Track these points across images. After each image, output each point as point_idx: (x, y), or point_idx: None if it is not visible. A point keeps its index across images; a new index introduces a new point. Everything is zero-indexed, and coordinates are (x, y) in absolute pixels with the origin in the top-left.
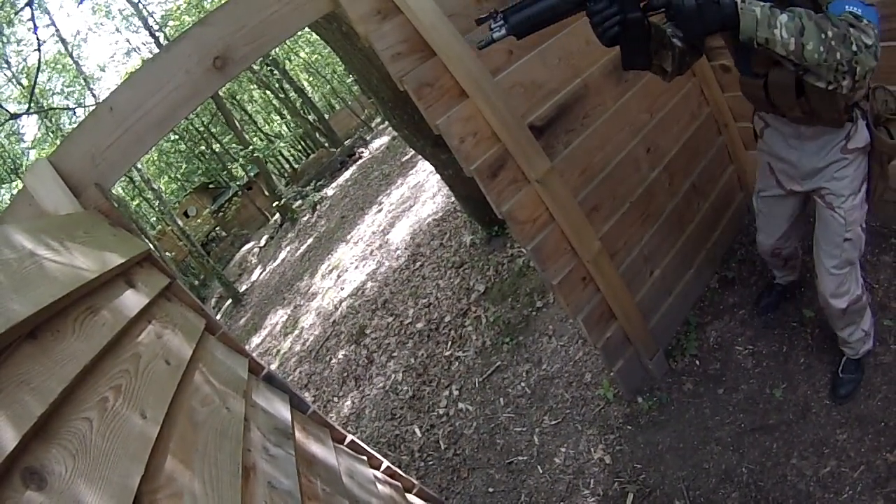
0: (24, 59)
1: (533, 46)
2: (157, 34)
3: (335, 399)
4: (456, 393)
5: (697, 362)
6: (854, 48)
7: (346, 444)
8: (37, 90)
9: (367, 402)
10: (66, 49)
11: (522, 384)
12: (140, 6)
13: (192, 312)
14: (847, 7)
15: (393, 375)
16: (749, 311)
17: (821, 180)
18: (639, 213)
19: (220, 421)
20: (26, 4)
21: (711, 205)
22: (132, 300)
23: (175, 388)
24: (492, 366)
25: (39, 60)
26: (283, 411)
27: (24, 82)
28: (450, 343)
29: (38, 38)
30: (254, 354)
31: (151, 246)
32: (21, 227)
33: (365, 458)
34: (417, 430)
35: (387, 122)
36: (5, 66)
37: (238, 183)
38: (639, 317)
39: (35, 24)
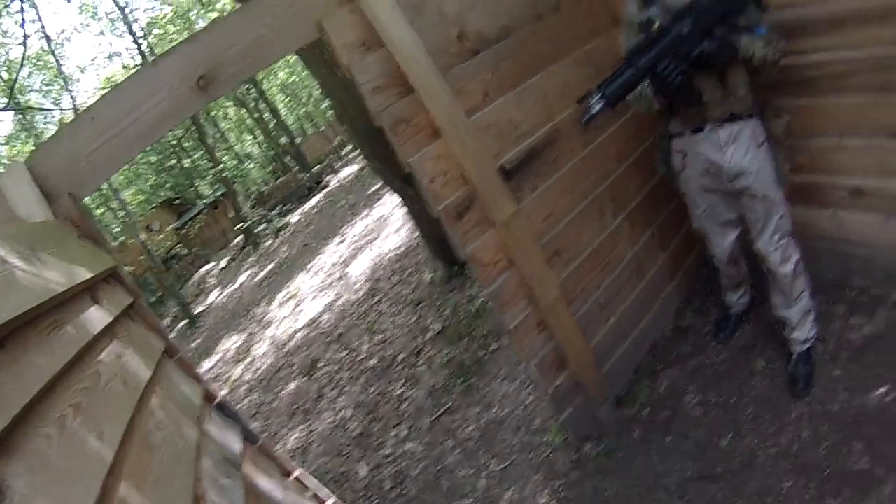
0: (7, 52)
1: (510, 87)
2: (140, 41)
3: (283, 431)
4: (405, 433)
5: (647, 410)
6: (781, 48)
7: (292, 478)
8: (15, 86)
9: (314, 436)
10: (49, 46)
11: (471, 427)
12: (126, 11)
13: (153, 334)
14: (763, 29)
15: (343, 411)
16: (701, 361)
17: (748, 177)
18: (599, 259)
19: (174, 447)
20: None
21: (670, 254)
22: (96, 317)
23: (132, 411)
24: (442, 407)
25: (24, 55)
26: (234, 442)
27: (4, 75)
28: (402, 381)
29: (24, 33)
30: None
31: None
32: None
33: (311, 493)
34: (364, 468)
35: (357, 151)
36: None
37: (204, 201)
38: (591, 364)
39: (24, 18)
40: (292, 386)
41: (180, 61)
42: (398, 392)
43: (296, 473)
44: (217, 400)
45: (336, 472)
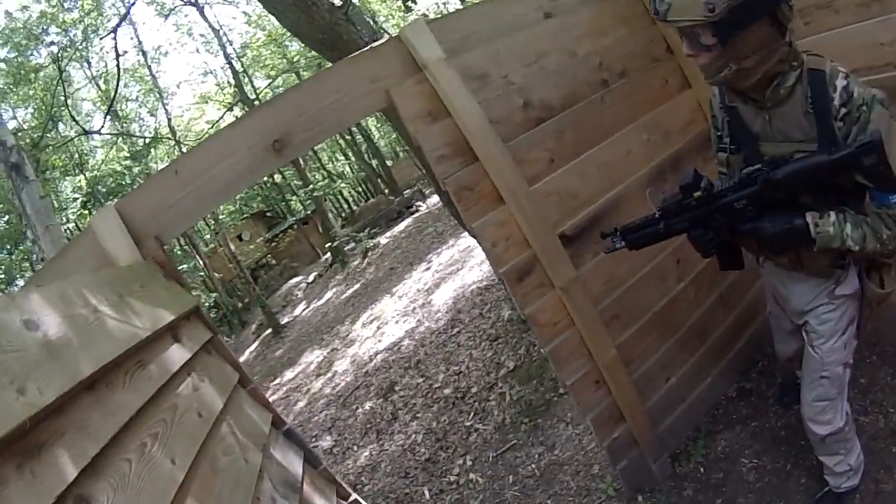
0: (105, 65)
1: (572, 156)
2: (233, 61)
3: (355, 448)
4: (469, 463)
5: (702, 469)
6: None
7: (349, 501)
8: (115, 99)
9: (384, 456)
10: (146, 60)
11: (533, 465)
12: (220, 33)
13: (228, 366)
14: (892, 198)
15: (414, 435)
16: (761, 424)
17: (807, 317)
18: (660, 323)
19: (238, 471)
20: (119, 22)
21: (737, 317)
22: (176, 355)
23: (204, 438)
24: (507, 443)
25: (118, 77)
26: (296, 465)
27: (102, 85)
28: (472, 414)
29: (117, 55)
30: (279, 401)
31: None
32: (88, 281)
33: None
34: (427, 492)
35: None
36: (86, 65)
37: (295, 217)
38: (647, 422)
39: (117, 50)
40: (368, 406)
41: (257, 125)
42: (468, 423)
43: (352, 497)
44: (285, 427)
45: (400, 493)
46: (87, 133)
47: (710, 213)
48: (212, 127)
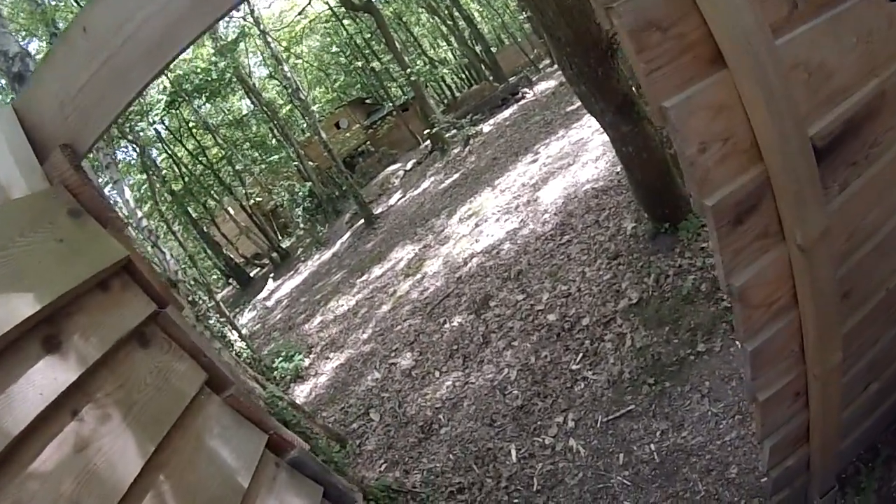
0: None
1: (824, 7)
2: None
3: (436, 373)
4: (571, 424)
5: None
6: None
7: None
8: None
9: (468, 391)
10: None
11: (652, 446)
12: None
13: (187, 363)
14: None
15: (506, 370)
16: None
17: None
18: (888, 305)
19: None
20: None
21: None
22: (38, 384)
23: None
24: (623, 406)
25: None
26: None
27: None
28: (581, 355)
29: None
30: (364, 302)
31: (131, 251)
32: None
33: None
34: (514, 453)
35: (557, 66)
36: None
37: (394, 102)
38: (834, 445)
39: None
40: (457, 321)
41: None
42: (574, 367)
43: None
44: (292, 454)
45: (482, 447)
46: None
47: None
48: (303, 17)
